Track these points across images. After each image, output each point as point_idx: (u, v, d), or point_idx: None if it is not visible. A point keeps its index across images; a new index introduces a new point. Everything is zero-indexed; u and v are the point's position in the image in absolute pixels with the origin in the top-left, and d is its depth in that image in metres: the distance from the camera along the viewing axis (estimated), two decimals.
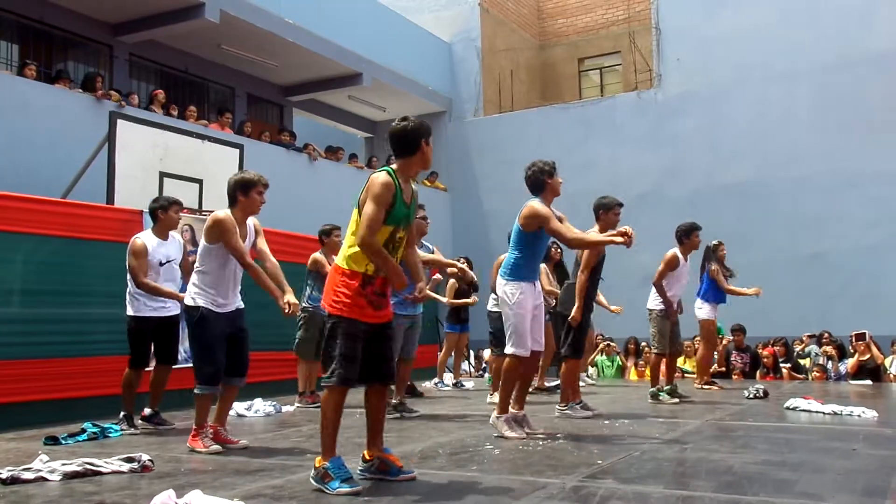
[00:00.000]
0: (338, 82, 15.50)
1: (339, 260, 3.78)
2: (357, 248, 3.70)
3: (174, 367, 6.23)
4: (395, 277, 3.71)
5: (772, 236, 13.83)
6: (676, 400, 7.29)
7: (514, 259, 5.20)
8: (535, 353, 5.25)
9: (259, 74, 15.10)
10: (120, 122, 8.53)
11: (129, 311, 5.98)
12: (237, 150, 9.77)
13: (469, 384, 9.74)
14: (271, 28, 13.10)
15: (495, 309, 7.95)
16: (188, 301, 4.96)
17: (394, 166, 3.83)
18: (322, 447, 3.67)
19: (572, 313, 6.21)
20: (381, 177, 3.71)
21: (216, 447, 4.81)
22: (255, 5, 12.74)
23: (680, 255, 7.52)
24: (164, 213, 6.03)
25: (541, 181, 5.26)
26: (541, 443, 4.86)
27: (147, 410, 6.07)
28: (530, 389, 8.43)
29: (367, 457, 3.82)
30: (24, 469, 4.03)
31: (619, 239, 4.89)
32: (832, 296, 13.27)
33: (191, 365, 5.09)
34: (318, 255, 7.37)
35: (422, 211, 6.69)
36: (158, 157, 8.78)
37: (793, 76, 14.28)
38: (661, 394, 7.40)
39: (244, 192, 4.94)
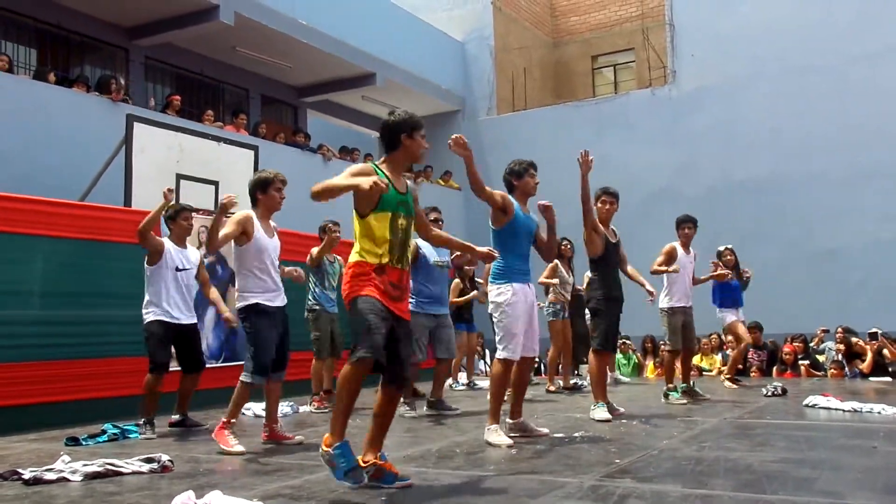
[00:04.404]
0: (351, 83, 15.54)
1: (351, 258, 3.80)
2: (364, 243, 3.74)
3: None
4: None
5: (788, 232, 13.72)
6: (684, 400, 7.11)
7: (497, 262, 5.02)
8: (525, 359, 5.12)
9: (273, 76, 15.18)
10: (136, 124, 8.62)
11: (149, 317, 5.96)
12: (252, 152, 9.86)
13: (483, 384, 9.73)
14: (285, 30, 13.16)
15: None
16: (239, 304, 5.01)
17: (380, 161, 3.94)
18: (331, 427, 3.61)
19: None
20: (360, 165, 3.89)
21: (240, 447, 4.80)
22: (269, 7, 12.80)
23: (678, 247, 7.51)
24: (173, 223, 6.11)
25: (508, 182, 5.34)
26: (559, 442, 4.86)
27: (175, 416, 6.14)
28: (553, 389, 8.50)
29: (362, 462, 3.59)
30: (47, 470, 4.09)
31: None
32: (849, 291, 13.12)
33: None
34: (314, 250, 7.29)
35: (435, 213, 6.72)
36: (175, 159, 8.88)
37: (808, 70, 14.13)
38: (671, 394, 7.24)
39: (263, 191, 5.11)
